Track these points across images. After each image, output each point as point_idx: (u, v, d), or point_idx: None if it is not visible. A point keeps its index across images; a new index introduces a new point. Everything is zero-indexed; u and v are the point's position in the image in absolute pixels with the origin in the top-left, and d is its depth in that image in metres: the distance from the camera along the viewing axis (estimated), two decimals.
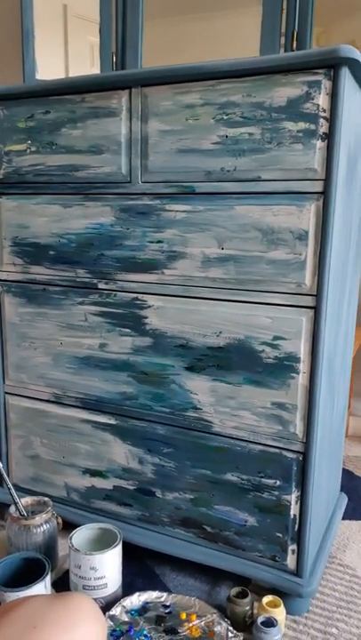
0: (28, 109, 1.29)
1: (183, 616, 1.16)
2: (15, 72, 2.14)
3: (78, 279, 1.31)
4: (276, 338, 1.10)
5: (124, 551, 1.30)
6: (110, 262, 1.25)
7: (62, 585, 1.28)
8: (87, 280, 1.29)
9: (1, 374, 1.47)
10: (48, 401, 1.42)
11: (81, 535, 1.26)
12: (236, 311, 1.13)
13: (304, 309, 1.07)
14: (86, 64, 2.08)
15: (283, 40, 1.70)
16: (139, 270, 1.22)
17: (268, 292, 1.10)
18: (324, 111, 0.99)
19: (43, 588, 1.11)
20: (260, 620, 1.08)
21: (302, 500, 1.14)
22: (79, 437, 1.39)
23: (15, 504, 1.31)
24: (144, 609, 1.19)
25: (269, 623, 1.07)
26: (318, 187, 1.02)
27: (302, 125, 1.01)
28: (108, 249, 1.25)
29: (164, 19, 1.94)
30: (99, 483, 1.39)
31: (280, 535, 1.18)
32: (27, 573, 1.17)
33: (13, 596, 1.08)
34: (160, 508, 1.32)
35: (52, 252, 1.32)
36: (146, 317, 1.23)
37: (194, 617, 1.16)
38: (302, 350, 1.08)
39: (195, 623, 1.14)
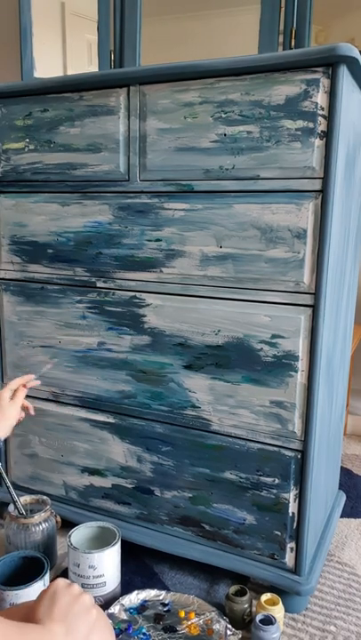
0: (26, 107, 1.28)
1: (182, 614, 1.16)
2: (13, 70, 2.13)
3: (77, 278, 1.30)
4: (274, 336, 1.10)
5: (122, 549, 1.30)
6: (109, 261, 1.25)
7: None
8: (85, 279, 1.29)
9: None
10: (46, 399, 1.42)
11: (80, 534, 1.26)
12: (235, 310, 1.13)
13: (303, 308, 1.07)
14: (84, 62, 2.08)
15: (281, 38, 1.70)
16: (137, 269, 1.22)
17: (266, 291, 1.10)
18: (323, 109, 0.99)
19: (42, 586, 1.11)
20: (258, 617, 1.08)
21: (301, 498, 1.14)
22: (78, 436, 1.39)
23: (14, 503, 1.30)
24: (143, 607, 1.19)
25: (268, 621, 1.08)
26: (317, 185, 1.02)
27: (301, 124, 1.01)
28: (106, 247, 1.25)
29: (162, 16, 1.94)
30: (97, 481, 1.39)
31: (279, 533, 1.18)
32: (26, 572, 1.17)
33: (12, 594, 1.08)
34: (159, 507, 1.32)
35: (50, 251, 1.32)
36: (144, 316, 1.23)
37: (192, 615, 1.16)
38: (301, 349, 1.08)
39: (193, 621, 1.14)
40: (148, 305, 1.23)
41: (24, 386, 1.24)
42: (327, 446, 1.27)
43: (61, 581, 0.74)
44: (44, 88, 1.24)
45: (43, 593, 0.73)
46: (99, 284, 1.28)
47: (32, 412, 1.29)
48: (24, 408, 1.27)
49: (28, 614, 0.71)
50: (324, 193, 1.01)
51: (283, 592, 1.19)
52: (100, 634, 0.71)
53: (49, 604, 0.70)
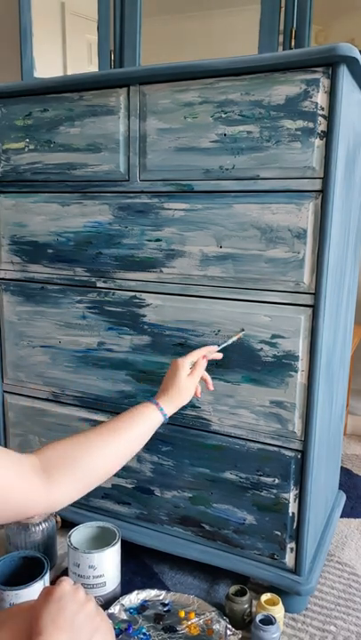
0: (26, 107, 1.28)
1: (182, 614, 1.16)
2: (13, 70, 2.13)
3: (77, 278, 1.30)
4: (274, 336, 1.10)
5: (122, 550, 1.30)
6: (109, 261, 1.25)
7: None
8: (85, 279, 1.29)
9: None
10: (46, 400, 1.42)
11: (80, 534, 1.26)
12: (235, 310, 1.13)
13: (303, 308, 1.07)
14: (84, 62, 2.08)
15: (281, 38, 1.70)
16: (137, 269, 1.22)
17: (266, 291, 1.10)
18: (323, 109, 0.99)
19: (41, 586, 1.11)
20: (258, 617, 1.08)
21: (301, 498, 1.14)
22: None
23: None
24: (143, 607, 1.19)
25: (268, 621, 1.08)
26: (317, 185, 1.02)
27: (301, 124, 1.01)
28: (106, 247, 1.25)
29: (162, 16, 1.94)
30: None
31: (279, 533, 1.18)
32: (26, 572, 1.17)
33: (12, 594, 1.08)
34: (159, 507, 1.32)
35: (50, 251, 1.32)
36: (144, 316, 1.23)
37: (192, 615, 1.16)
38: (301, 349, 1.08)
39: (193, 621, 1.14)
40: (148, 305, 1.23)
41: (204, 357, 1.07)
42: (327, 446, 1.27)
43: (67, 586, 0.73)
44: (44, 88, 1.24)
45: (47, 595, 0.72)
46: (99, 284, 1.28)
47: (211, 388, 1.11)
48: (202, 380, 1.09)
49: (31, 617, 0.71)
50: (324, 193, 1.01)
51: (283, 592, 1.19)
52: (101, 638, 0.71)
53: (55, 612, 0.69)
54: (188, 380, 1.02)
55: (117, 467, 0.87)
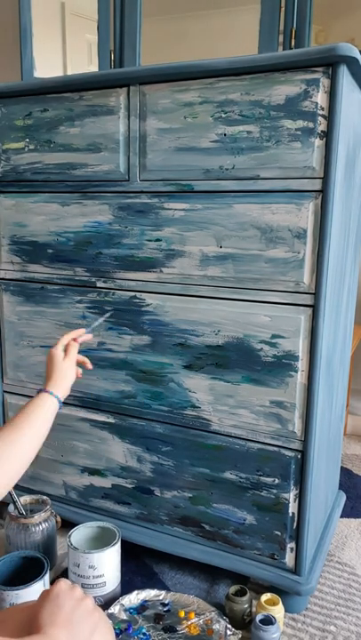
0: (26, 107, 1.28)
1: (182, 614, 1.16)
2: (13, 70, 2.13)
3: (77, 278, 1.30)
4: (274, 336, 1.10)
5: (122, 550, 1.30)
6: (109, 261, 1.25)
7: None
8: (85, 279, 1.29)
9: None
10: None
11: (80, 534, 1.26)
12: (235, 310, 1.13)
13: (303, 308, 1.07)
14: (84, 62, 2.08)
15: (281, 38, 1.70)
16: (137, 269, 1.22)
17: (266, 291, 1.10)
18: (323, 109, 0.99)
19: (41, 586, 1.11)
20: (258, 617, 1.08)
21: (301, 498, 1.14)
22: (77, 436, 1.39)
23: (14, 503, 1.30)
24: (143, 607, 1.19)
25: (268, 621, 1.08)
26: (317, 185, 1.02)
27: (301, 123, 1.01)
28: (106, 247, 1.25)
29: (162, 16, 1.94)
30: (97, 481, 1.39)
31: (279, 533, 1.18)
32: (25, 572, 1.17)
33: (12, 594, 1.08)
34: (159, 507, 1.32)
35: (50, 251, 1.32)
36: (144, 316, 1.23)
37: (192, 615, 1.16)
38: (301, 349, 1.08)
39: (193, 621, 1.14)
40: (148, 305, 1.23)
41: (75, 340, 1.14)
42: (327, 446, 1.27)
43: (64, 584, 0.74)
44: (44, 88, 1.24)
45: (45, 595, 0.73)
46: (99, 284, 1.28)
47: (90, 366, 1.20)
48: (80, 363, 1.17)
49: (29, 617, 0.71)
50: (324, 193, 1.01)
51: (283, 592, 1.19)
52: (101, 636, 0.71)
53: (52, 610, 0.70)
54: (66, 362, 1.10)
55: (33, 457, 0.95)
